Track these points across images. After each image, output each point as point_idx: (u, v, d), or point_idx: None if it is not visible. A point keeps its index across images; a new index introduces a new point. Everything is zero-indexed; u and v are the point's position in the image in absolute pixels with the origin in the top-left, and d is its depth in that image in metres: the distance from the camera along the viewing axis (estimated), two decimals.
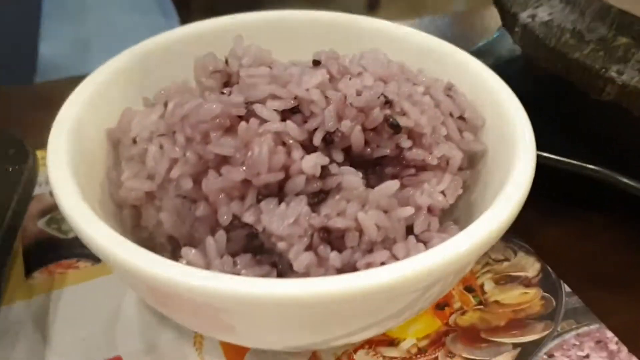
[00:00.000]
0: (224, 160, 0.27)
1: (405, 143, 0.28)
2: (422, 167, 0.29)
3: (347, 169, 0.27)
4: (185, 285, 0.22)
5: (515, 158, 0.28)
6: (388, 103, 0.28)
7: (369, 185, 0.27)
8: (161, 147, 0.29)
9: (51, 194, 0.37)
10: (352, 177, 0.26)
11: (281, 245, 0.25)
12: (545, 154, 0.36)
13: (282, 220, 0.25)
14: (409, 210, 0.27)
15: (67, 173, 0.27)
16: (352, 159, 0.28)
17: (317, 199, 0.26)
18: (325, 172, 0.26)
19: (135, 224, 0.29)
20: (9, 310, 0.31)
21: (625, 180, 0.35)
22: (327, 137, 0.27)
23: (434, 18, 0.63)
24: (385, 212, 0.26)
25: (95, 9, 0.67)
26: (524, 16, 0.37)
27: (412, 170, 0.29)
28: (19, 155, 0.32)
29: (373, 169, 0.29)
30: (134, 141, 0.31)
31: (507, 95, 0.32)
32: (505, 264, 0.35)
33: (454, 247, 0.24)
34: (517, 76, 0.42)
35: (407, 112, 0.29)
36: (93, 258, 0.34)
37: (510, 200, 0.26)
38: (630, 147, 0.35)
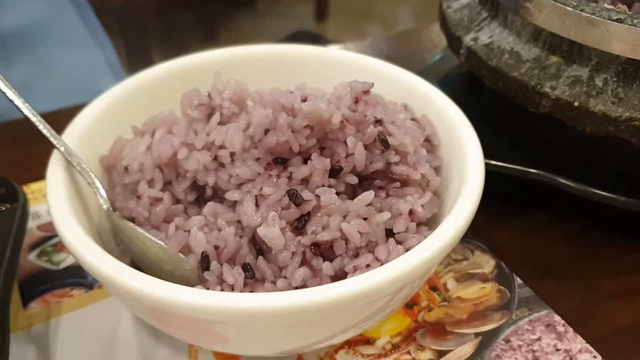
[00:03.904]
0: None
1: (394, 158, 0.32)
2: (406, 182, 0.32)
3: (322, 189, 0.30)
4: (182, 304, 0.24)
5: (467, 171, 0.32)
6: (379, 122, 0.32)
7: (357, 196, 0.31)
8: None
9: (39, 227, 0.40)
10: (328, 195, 0.30)
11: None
12: (492, 162, 0.40)
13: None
14: (385, 215, 0.30)
15: (67, 208, 0.29)
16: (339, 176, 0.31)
17: (301, 222, 0.29)
18: (298, 200, 0.29)
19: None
20: (11, 340, 0.33)
21: (563, 180, 0.39)
22: (337, 167, 0.31)
23: (389, 37, 0.67)
24: (365, 219, 0.30)
25: (33, 49, 0.67)
26: (467, 39, 0.41)
27: (398, 184, 0.32)
28: (9, 194, 0.34)
29: (361, 183, 0.32)
30: (126, 169, 0.34)
31: (455, 112, 0.35)
32: (465, 262, 0.39)
33: (419, 254, 0.27)
34: (465, 91, 0.46)
35: (393, 133, 0.32)
36: (86, 285, 0.36)
37: (466, 209, 0.30)
38: (566, 152, 0.40)
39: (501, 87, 0.39)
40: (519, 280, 0.38)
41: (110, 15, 0.83)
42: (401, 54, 0.61)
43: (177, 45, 1.96)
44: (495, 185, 0.42)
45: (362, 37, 1.96)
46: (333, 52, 0.40)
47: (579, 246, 0.40)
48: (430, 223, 0.33)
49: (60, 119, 0.35)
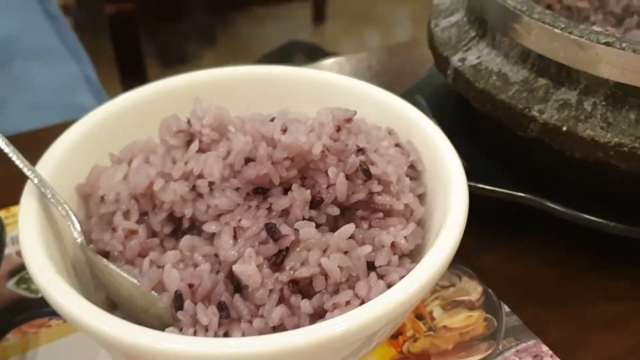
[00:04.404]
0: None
1: (376, 188, 0.31)
2: (389, 213, 0.32)
3: (301, 223, 0.29)
4: (153, 350, 0.24)
5: (451, 200, 0.31)
6: (361, 150, 0.31)
7: (339, 227, 0.30)
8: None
9: (18, 254, 0.39)
10: (307, 230, 0.29)
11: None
12: (480, 185, 0.40)
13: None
14: (367, 249, 0.30)
15: (38, 244, 0.28)
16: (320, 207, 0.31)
17: (279, 257, 0.28)
18: (276, 235, 0.28)
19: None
20: None
21: (552, 204, 0.38)
22: (317, 198, 0.30)
23: (381, 49, 0.66)
24: (346, 252, 0.29)
25: (7, 64, 0.65)
26: (454, 60, 0.40)
27: (381, 214, 0.31)
28: None
29: (343, 213, 0.31)
30: (102, 199, 0.33)
31: (440, 137, 0.35)
32: (451, 289, 0.38)
33: (400, 291, 0.27)
34: (454, 110, 0.45)
35: (375, 162, 0.31)
36: None
37: (449, 241, 0.29)
38: (556, 175, 0.39)
39: (489, 109, 0.38)
40: (506, 308, 0.37)
41: (102, 25, 0.83)
42: (393, 67, 0.60)
43: (175, 50, 1.95)
44: (484, 208, 0.42)
45: (360, 40, 1.95)
46: (317, 75, 0.39)
47: (569, 272, 0.40)
48: (414, 254, 0.33)
49: (42, 138, 0.34)
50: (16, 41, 0.66)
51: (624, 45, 0.33)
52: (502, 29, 0.38)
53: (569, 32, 0.35)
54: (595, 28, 0.35)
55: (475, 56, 0.40)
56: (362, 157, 0.31)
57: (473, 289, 0.38)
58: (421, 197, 0.34)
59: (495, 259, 0.40)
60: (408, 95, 0.47)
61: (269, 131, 0.31)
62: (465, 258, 0.40)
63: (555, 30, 0.35)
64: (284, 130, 0.31)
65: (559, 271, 0.39)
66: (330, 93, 0.39)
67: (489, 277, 0.39)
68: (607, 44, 0.34)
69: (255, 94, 0.39)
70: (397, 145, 0.35)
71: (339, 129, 0.32)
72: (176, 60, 1.98)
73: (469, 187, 0.39)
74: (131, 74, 0.82)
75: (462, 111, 0.45)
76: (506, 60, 0.38)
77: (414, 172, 0.35)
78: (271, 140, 0.31)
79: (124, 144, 0.35)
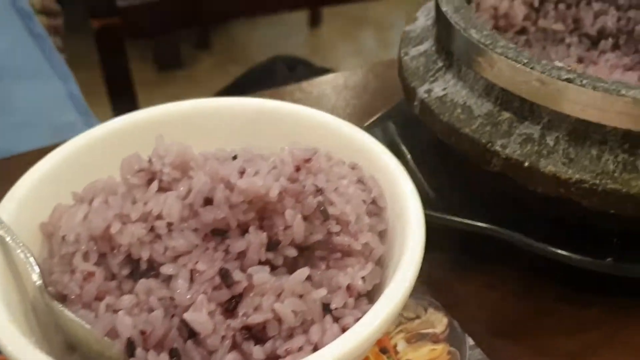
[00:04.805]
0: None
1: (335, 228, 0.31)
2: (347, 253, 0.32)
3: (254, 268, 0.29)
4: None
5: (407, 239, 0.31)
6: (319, 191, 0.31)
7: (297, 267, 0.30)
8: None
9: None
10: (261, 275, 0.29)
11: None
12: (447, 217, 0.40)
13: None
14: (322, 292, 0.30)
15: None
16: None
17: (232, 303, 0.28)
18: (229, 281, 0.28)
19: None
20: None
21: (518, 236, 0.38)
22: (274, 240, 0.30)
23: (374, 64, 0.66)
24: (301, 296, 0.29)
25: None
26: (421, 91, 0.40)
27: (339, 255, 0.31)
28: None
29: (302, 253, 0.32)
30: (63, 239, 0.33)
31: (399, 172, 0.34)
32: (417, 321, 0.38)
33: (353, 336, 0.27)
34: (425, 138, 0.45)
35: (334, 202, 0.32)
36: None
37: (404, 281, 0.29)
38: (522, 207, 0.39)
39: (454, 142, 0.38)
40: (470, 342, 0.37)
41: (89, 40, 0.83)
42: (372, 88, 0.60)
43: (170, 54, 1.96)
44: (454, 238, 0.42)
45: (356, 44, 1.95)
46: (283, 107, 0.39)
47: (536, 303, 0.40)
48: (373, 294, 0.33)
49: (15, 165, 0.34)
50: (1, 61, 0.67)
51: (584, 82, 0.33)
52: (467, 62, 0.38)
53: (531, 68, 0.35)
54: (558, 64, 0.35)
55: (442, 87, 0.40)
56: (320, 198, 0.31)
57: (438, 321, 0.38)
58: (382, 234, 0.34)
59: (464, 290, 0.40)
60: (381, 120, 0.47)
61: (227, 174, 0.31)
62: (433, 288, 0.40)
63: (518, 65, 0.35)
64: (242, 173, 0.31)
65: (527, 302, 0.39)
66: (296, 125, 0.39)
67: (456, 308, 0.39)
68: (568, 80, 0.34)
69: (220, 128, 0.39)
70: (359, 180, 0.35)
71: (298, 169, 0.32)
72: (172, 64, 1.99)
73: (436, 218, 0.39)
74: (119, 89, 0.82)
75: (433, 142, 0.44)
76: (471, 92, 0.38)
77: (376, 208, 0.35)
78: (229, 183, 0.31)
79: (90, 181, 0.35)
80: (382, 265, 0.33)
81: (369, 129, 0.43)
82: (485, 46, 0.36)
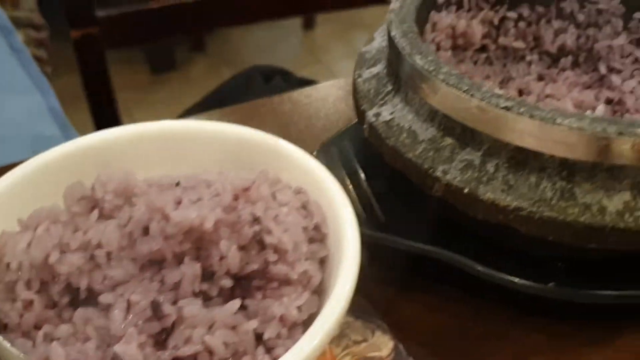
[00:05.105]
0: None
1: (272, 257, 0.32)
2: (285, 282, 0.32)
3: (186, 300, 0.30)
4: None
5: (342, 267, 0.32)
6: (256, 220, 0.32)
7: (234, 297, 0.30)
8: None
9: None
10: (191, 307, 0.30)
11: None
12: (398, 239, 0.40)
13: None
14: (253, 324, 0.30)
15: None
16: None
17: (163, 335, 0.29)
18: (159, 313, 0.29)
19: None
20: None
21: (462, 259, 0.39)
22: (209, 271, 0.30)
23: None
24: (234, 327, 0.30)
25: None
26: (370, 114, 0.41)
27: (276, 284, 0.32)
28: None
29: (238, 283, 0.32)
30: (8, 266, 0.34)
31: (341, 199, 0.35)
32: (363, 344, 0.39)
33: None
34: (377, 160, 0.46)
35: (272, 230, 0.32)
36: None
37: (333, 313, 0.30)
38: (467, 231, 0.39)
39: (399, 166, 0.39)
40: None
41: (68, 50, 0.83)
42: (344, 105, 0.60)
43: (164, 56, 1.96)
44: (402, 259, 0.42)
45: (350, 46, 1.95)
46: (233, 130, 0.39)
47: (484, 326, 0.40)
48: (309, 322, 0.33)
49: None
50: None
51: (522, 110, 0.34)
52: (412, 87, 0.38)
53: (471, 95, 0.35)
54: (497, 91, 0.35)
55: (389, 112, 0.40)
56: (256, 228, 0.31)
57: (384, 345, 0.38)
58: (324, 260, 0.35)
59: (412, 311, 0.41)
60: (339, 139, 0.47)
61: (162, 205, 0.31)
62: (382, 309, 0.40)
63: (458, 92, 0.35)
64: (179, 203, 0.31)
65: (475, 325, 0.40)
66: (243, 149, 0.39)
67: (403, 330, 0.39)
68: (506, 108, 0.34)
69: (168, 151, 0.39)
70: (303, 206, 0.35)
71: (237, 198, 0.32)
72: (166, 67, 1.99)
73: (386, 240, 0.40)
74: (99, 99, 0.83)
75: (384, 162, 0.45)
76: (417, 117, 0.39)
77: (318, 234, 0.35)
78: (164, 214, 0.31)
79: (35, 207, 0.36)
80: (321, 292, 0.34)
81: (326, 148, 0.44)
82: (428, 72, 0.37)
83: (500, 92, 0.35)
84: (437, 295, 0.41)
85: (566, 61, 0.50)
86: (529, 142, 0.34)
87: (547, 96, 0.49)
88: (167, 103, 1.81)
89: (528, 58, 0.51)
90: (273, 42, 1.93)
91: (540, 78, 0.50)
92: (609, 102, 0.48)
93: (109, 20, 0.83)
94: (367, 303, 0.40)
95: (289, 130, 0.57)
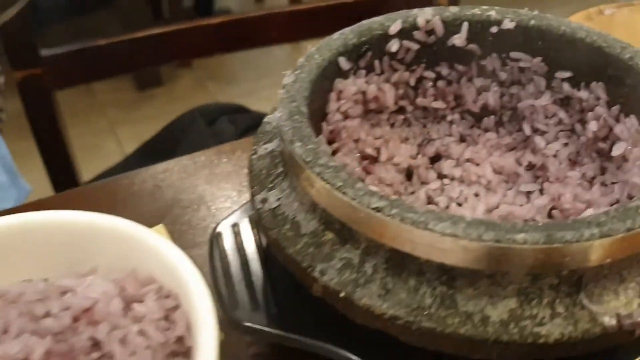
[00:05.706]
0: None
1: None
2: None
3: None
4: None
5: None
6: (96, 345, 0.30)
7: None
8: None
9: None
10: None
11: None
12: (291, 335, 0.37)
13: None
14: None
15: None
16: None
17: None
18: None
19: None
20: None
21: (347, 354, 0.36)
22: None
23: None
24: None
25: None
26: (257, 200, 0.38)
27: None
28: None
29: None
30: None
31: (203, 301, 0.32)
32: None
33: None
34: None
35: (115, 355, 0.30)
36: None
37: None
38: (357, 329, 0.37)
39: (282, 260, 0.36)
40: None
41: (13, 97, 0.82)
42: None
43: (150, 72, 1.95)
44: (298, 355, 0.39)
45: None
46: (100, 222, 0.36)
47: None
48: None
49: None
50: None
51: (393, 212, 0.31)
52: (295, 174, 0.36)
53: (344, 193, 0.32)
54: (372, 188, 0.33)
55: (277, 197, 0.37)
56: (94, 355, 0.29)
57: None
58: None
59: None
60: (236, 219, 0.44)
61: None
62: None
63: (331, 188, 0.33)
64: (6, 332, 0.29)
65: None
66: (110, 242, 0.36)
67: None
68: (376, 209, 0.31)
69: (25, 250, 0.37)
70: (166, 316, 0.33)
71: (77, 319, 0.30)
72: (151, 83, 1.98)
73: (276, 336, 0.37)
74: (48, 144, 0.81)
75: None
76: (301, 206, 0.36)
77: (182, 346, 0.33)
78: None
79: None
80: None
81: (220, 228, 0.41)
82: (305, 163, 0.34)
83: (375, 189, 0.33)
84: None
85: (489, 121, 0.47)
86: (402, 244, 0.31)
87: (467, 160, 0.46)
88: (153, 119, 1.79)
89: (449, 118, 0.48)
90: (260, 55, 1.91)
91: (462, 139, 0.48)
92: (530, 167, 0.45)
93: (54, 59, 0.81)
94: None
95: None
